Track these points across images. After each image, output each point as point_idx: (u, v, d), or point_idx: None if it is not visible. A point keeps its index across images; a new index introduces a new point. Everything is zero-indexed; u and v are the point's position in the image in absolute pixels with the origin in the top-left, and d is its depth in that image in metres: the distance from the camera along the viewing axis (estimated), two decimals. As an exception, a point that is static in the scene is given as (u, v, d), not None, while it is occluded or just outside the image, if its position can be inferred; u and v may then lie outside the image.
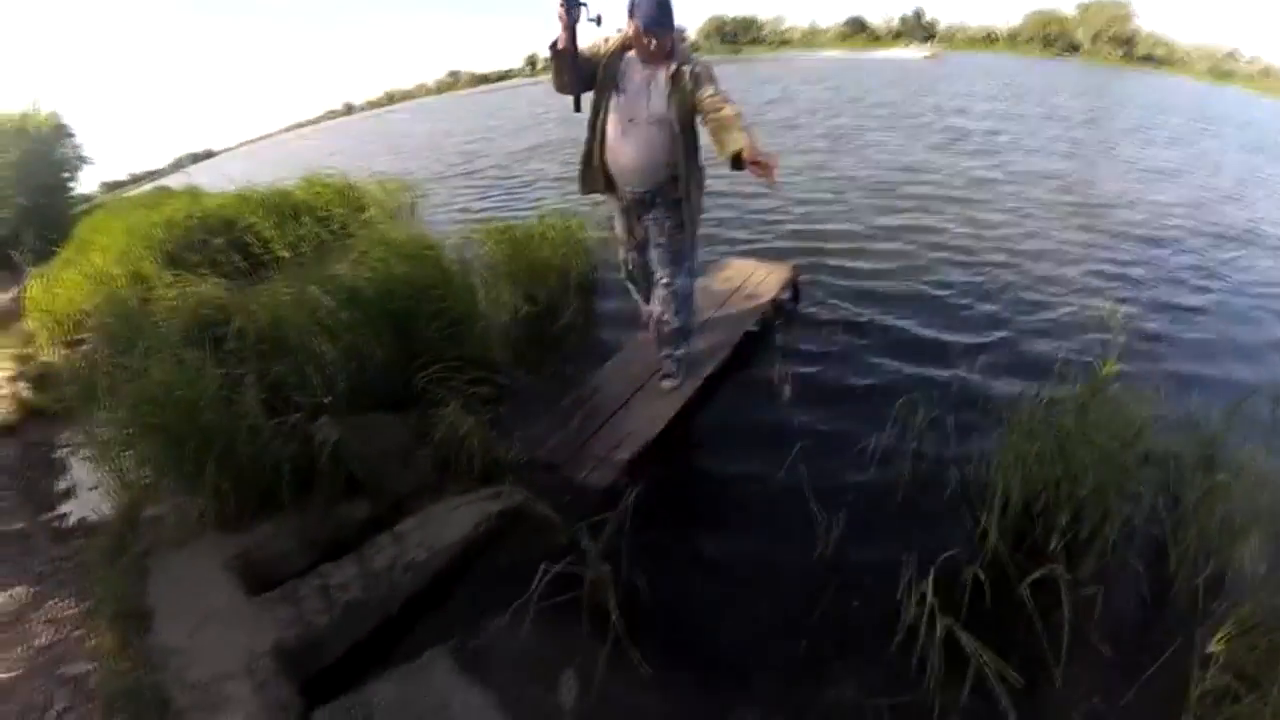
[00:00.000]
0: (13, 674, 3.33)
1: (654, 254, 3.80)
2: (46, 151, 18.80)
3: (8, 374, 7.27)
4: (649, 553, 3.01)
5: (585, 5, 3.14)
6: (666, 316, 3.87)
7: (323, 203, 8.53)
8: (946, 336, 4.81)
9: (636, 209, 3.72)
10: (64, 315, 7.50)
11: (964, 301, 5.43)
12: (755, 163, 2.86)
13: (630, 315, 4.83)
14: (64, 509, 4.62)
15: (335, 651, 2.87)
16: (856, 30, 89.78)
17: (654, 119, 3.36)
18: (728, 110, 3.13)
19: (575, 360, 4.69)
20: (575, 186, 3.79)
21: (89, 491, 4.56)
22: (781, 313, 5.12)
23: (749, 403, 4.11)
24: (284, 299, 4.54)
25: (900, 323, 5.07)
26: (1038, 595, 2.52)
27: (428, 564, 3.14)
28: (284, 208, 8.36)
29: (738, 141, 3.01)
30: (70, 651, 3.33)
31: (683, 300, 3.84)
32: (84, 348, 6.29)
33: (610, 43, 3.45)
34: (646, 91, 3.35)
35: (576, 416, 3.87)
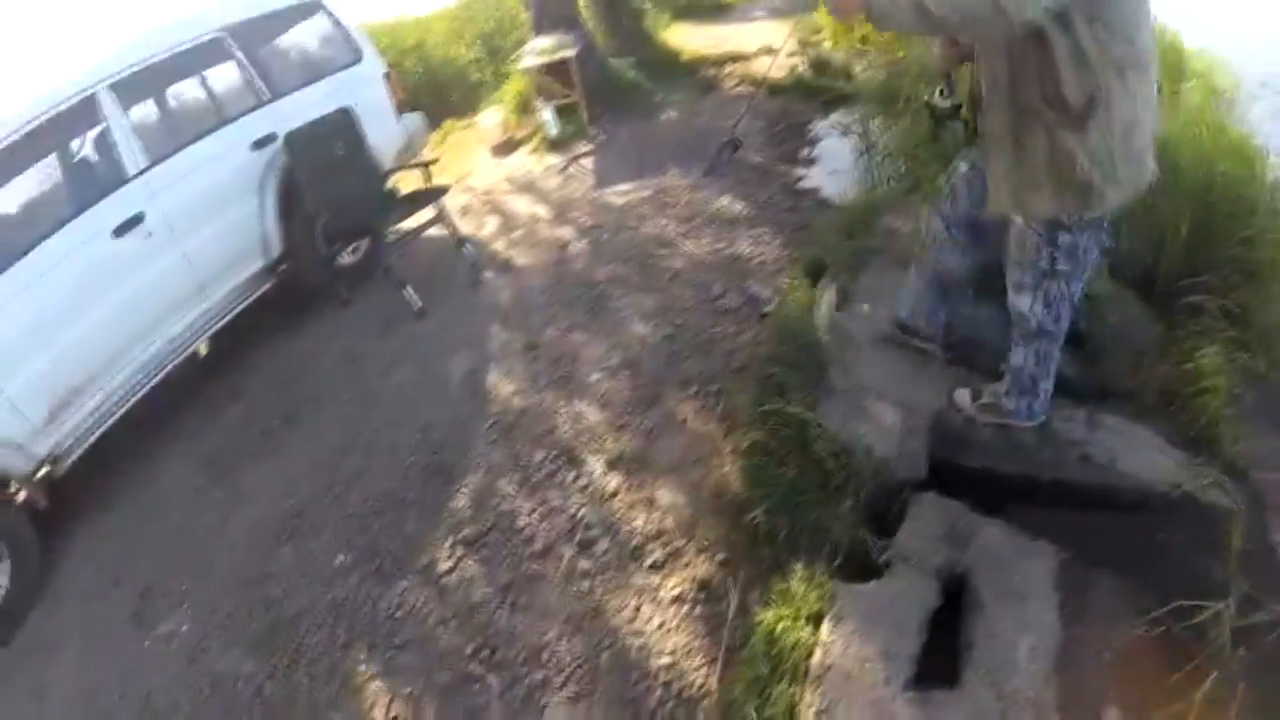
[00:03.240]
0: (701, 258, 3.93)
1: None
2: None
3: (791, 50, 8.26)
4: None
5: None
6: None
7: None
8: None
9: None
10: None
11: None
12: None
13: None
14: (800, 172, 5.15)
15: (971, 462, 2.73)
16: None
17: None
18: None
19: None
20: None
21: (828, 174, 4.99)
22: None
23: None
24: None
25: None
26: None
27: (1102, 473, 2.72)
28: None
29: None
30: (755, 273, 3.75)
31: (1030, 336, 2.45)
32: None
33: None
34: None
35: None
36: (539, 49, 6.61)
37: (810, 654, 2.05)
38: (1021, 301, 2.32)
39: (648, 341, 3.31)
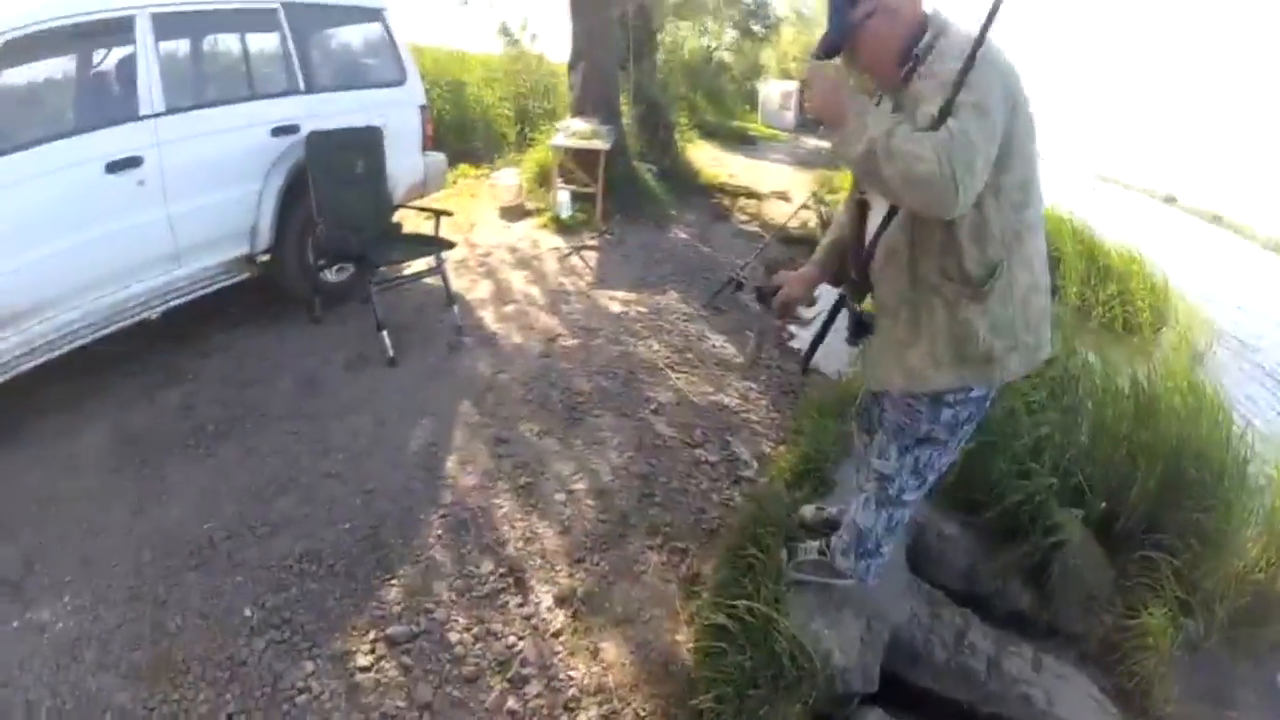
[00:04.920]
0: (687, 396, 3.93)
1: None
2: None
3: (805, 202, 8.57)
4: None
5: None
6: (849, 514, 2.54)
7: (1138, 284, 8.03)
8: None
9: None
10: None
11: None
12: None
13: None
14: (794, 330, 5.24)
15: (921, 681, 2.79)
16: None
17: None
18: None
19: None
20: None
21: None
22: None
23: None
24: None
25: None
26: None
27: (1034, 710, 2.78)
28: (1097, 259, 8.12)
29: None
30: (739, 429, 3.75)
31: (888, 500, 2.35)
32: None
33: None
34: None
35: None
36: (573, 131, 6.74)
37: None
38: (886, 465, 2.21)
39: (620, 473, 3.25)
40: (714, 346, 4.56)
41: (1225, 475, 3.63)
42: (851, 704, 2.50)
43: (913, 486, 2.23)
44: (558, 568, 2.73)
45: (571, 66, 7.65)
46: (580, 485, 3.16)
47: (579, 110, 7.35)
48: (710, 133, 11.90)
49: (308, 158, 4.18)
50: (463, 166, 7.96)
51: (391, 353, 3.97)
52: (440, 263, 4.39)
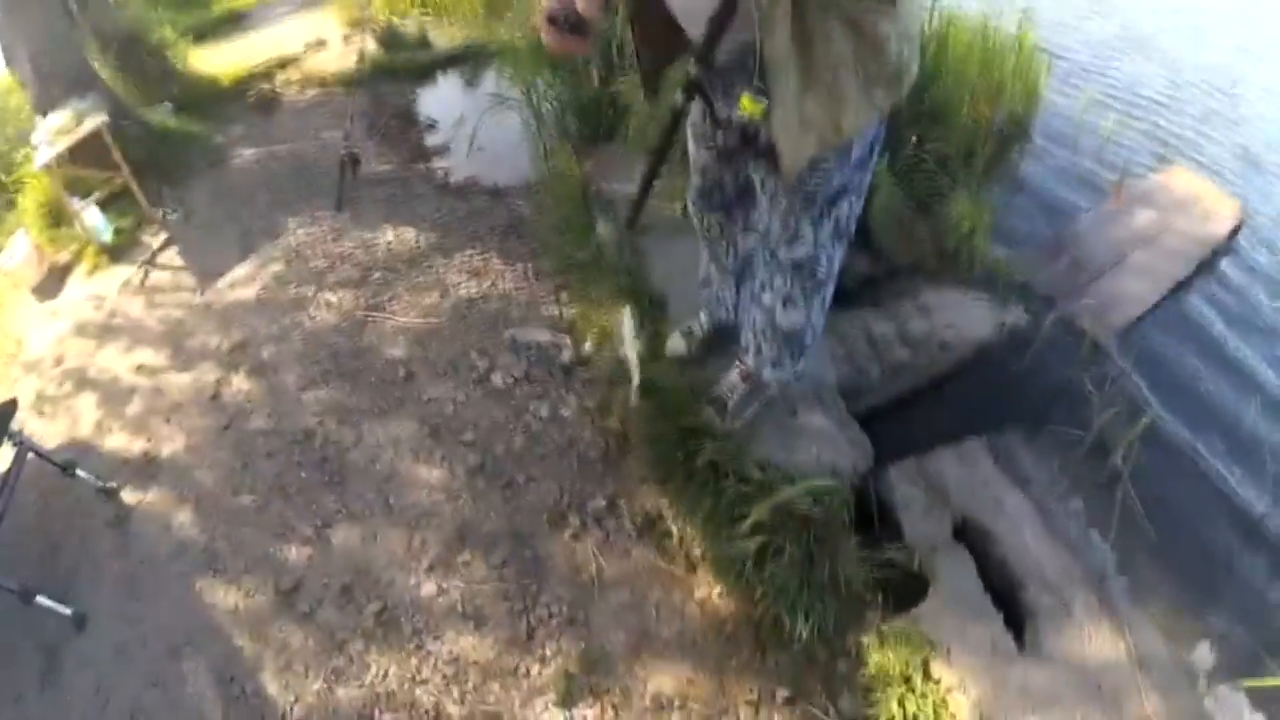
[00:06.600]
0: (422, 327, 2.92)
1: (760, 204, 1.85)
2: None
3: (345, 34, 7.15)
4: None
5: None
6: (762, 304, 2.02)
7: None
8: None
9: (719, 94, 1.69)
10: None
11: None
12: None
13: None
14: (441, 165, 4.26)
15: (872, 403, 2.72)
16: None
17: None
18: None
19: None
20: None
21: (485, 158, 4.26)
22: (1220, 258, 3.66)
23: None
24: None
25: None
26: None
27: (955, 350, 2.90)
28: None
29: None
30: (504, 316, 2.88)
31: (818, 284, 1.89)
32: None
33: None
34: None
35: (1065, 255, 3.44)
36: (55, 129, 4.72)
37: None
38: (803, 247, 1.74)
39: (459, 493, 2.22)
40: (392, 245, 3.44)
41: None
42: (869, 484, 2.35)
43: (838, 253, 1.81)
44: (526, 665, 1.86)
45: (9, 59, 5.36)
46: (431, 549, 2.14)
47: (44, 103, 5.20)
48: (199, 33, 9.50)
49: None
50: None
51: (68, 610, 2.43)
52: (20, 438, 2.77)
